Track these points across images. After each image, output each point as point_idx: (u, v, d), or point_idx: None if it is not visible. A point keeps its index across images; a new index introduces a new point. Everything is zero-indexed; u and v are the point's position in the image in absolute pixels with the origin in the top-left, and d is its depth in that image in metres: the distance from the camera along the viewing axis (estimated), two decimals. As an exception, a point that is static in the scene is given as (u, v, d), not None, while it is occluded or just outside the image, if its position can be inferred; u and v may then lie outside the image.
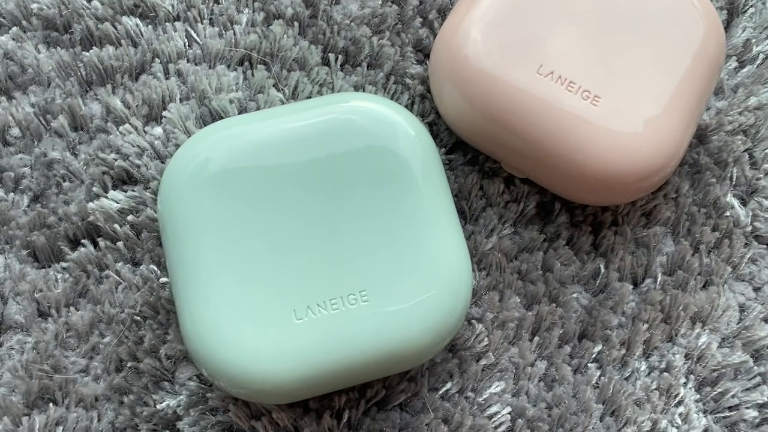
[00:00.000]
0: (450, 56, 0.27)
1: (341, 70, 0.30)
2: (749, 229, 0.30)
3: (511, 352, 0.28)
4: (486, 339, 0.28)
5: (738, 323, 0.29)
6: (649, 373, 0.29)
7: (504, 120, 0.27)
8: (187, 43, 0.29)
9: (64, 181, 0.28)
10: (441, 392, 0.27)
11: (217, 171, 0.25)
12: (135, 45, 0.29)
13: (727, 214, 0.30)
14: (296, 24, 0.30)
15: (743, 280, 0.30)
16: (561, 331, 0.28)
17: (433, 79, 0.28)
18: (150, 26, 0.29)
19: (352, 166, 0.25)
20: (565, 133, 0.26)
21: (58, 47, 0.29)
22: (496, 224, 0.29)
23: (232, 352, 0.24)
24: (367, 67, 0.30)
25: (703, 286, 0.30)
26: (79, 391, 0.26)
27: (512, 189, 0.29)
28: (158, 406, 0.26)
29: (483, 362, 0.28)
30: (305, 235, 0.25)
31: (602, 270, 0.29)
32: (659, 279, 0.29)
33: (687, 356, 0.29)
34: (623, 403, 0.28)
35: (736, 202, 0.30)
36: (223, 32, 0.29)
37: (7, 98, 0.28)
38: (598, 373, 0.28)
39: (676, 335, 0.29)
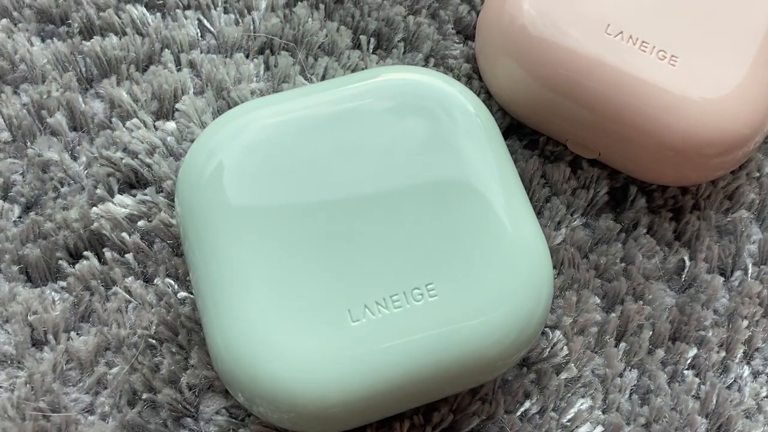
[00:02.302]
0: (503, 28, 0.23)
1: (374, 54, 0.26)
2: (843, 210, 0.26)
3: (595, 361, 0.23)
4: (565, 348, 0.23)
5: None
6: (755, 378, 0.24)
7: (571, 90, 0.22)
8: (199, 33, 0.25)
9: (62, 185, 0.23)
10: (519, 413, 0.22)
11: (243, 161, 0.20)
12: (141, 35, 0.25)
13: (819, 193, 0.26)
14: (322, 6, 0.26)
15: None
16: (651, 333, 0.24)
17: (484, 56, 0.24)
18: (158, 14, 0.25)
19: (404, 143, 0.21)
20: (642, 99, 0.22)
21: (54, 38, 0.24)
22: (564, 215, 0.24)
23: (274, 367, 0.19)
24: (404, 50, 0.26)
25: (802, 276, 0.25)
26: (84, 433, 0.21)
27: (579, 174, 0.25)
28: (181, 447, 0.21)
29: (564, 375, 0.23)
30: (355, 224, 0.20)
31: (687, 262, 0.24)
32: (750, 270, 0.25)
33: (795, 357, 0.24)
34: (732, 414, 0.23)
35: (826, 181, 0.26)
36: (240, 20, 0.25)
37: (-5, 93, 0.24)
38: (698, 382, 0.23)
39: (778, 333, 0.24)
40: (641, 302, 0.23)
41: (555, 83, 0.22)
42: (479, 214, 0.20)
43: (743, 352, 0.24)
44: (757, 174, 0.25)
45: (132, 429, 0.21)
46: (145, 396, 0.21)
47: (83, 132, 0.23)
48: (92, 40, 0.24)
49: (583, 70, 0.22)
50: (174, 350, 0.21)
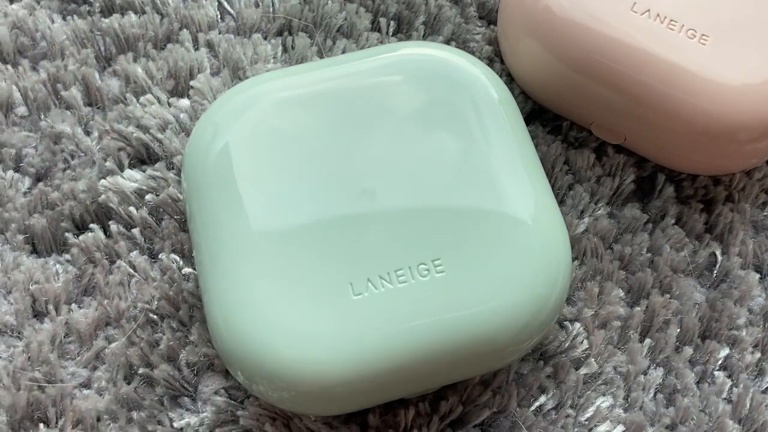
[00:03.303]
0: (526, 8, 0.22)
1: (394, 37, 0.25)
2: None
3: (617, 357, 0.21)
4: (585, 342, 0.21)
5: None
6: (793, 384, 0.22)
7: (595, 70, 0.21)
8: (219, 15, 0.25)
9: (73, 158, 0.22)
10: (534, 408, 0.21)
11: (249, 136, 0.19)
12: (161, 15, 0.24)
13: None
14: (342, -11, 0.25)
15: None
16: (678, 330, 0.22)
17: (506, 38, 0.23)
18: (181, -3, 0.25)
19: (419, 119, 0.20)
20: (670, 79, 0.21)
21: (74, 16, 0.24)
22: (587, 203, 0.23)
23: (273, 342, 0.18)
24: (425, 33, 0.25)
25: None
26: (78, 407, 0.20)
27: (605, 161, 0.23)
28: (175, 425, 0.20)
29: (584, 371, 0.21)
30: (362, 198, 0.19)
31: (719, 256, 0.23)
32: (793, 268, 0.23)
33: (837, 362, 0.22)
34: (767, 421, 0.21)
35: None
36: (259, 1, 0.25)
37: (13, 66, 0.23)
38: (729, 383, 0.21)
39: (819, 336, 0.22)
40: (668, 296, 0.22)
41: (578, 63, 0.21)
42: (494, 195, 0.19)
43: (780, 355, 0.22)
44: (797, 166, 0.24)
45: (126, 404, 0.20)
46: (141, 371, 0.20)
47: (98, 108, 0.23)
48: (111, 17, 0.24)
49: (608, 49, 0.21)
50: (175, 326, 0.20)
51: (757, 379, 0.21)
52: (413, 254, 0.18)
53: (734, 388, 0.21)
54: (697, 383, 0.21)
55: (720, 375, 0.21)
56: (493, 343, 0.18)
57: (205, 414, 0.20)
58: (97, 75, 0.23)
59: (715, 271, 0.22)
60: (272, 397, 0.18)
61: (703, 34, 0.21)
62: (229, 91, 0.20)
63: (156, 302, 0.21)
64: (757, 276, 0.22)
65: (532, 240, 0.19)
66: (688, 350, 0.21)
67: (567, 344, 0.21)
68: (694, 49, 0.21)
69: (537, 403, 0.20)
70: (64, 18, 0.24)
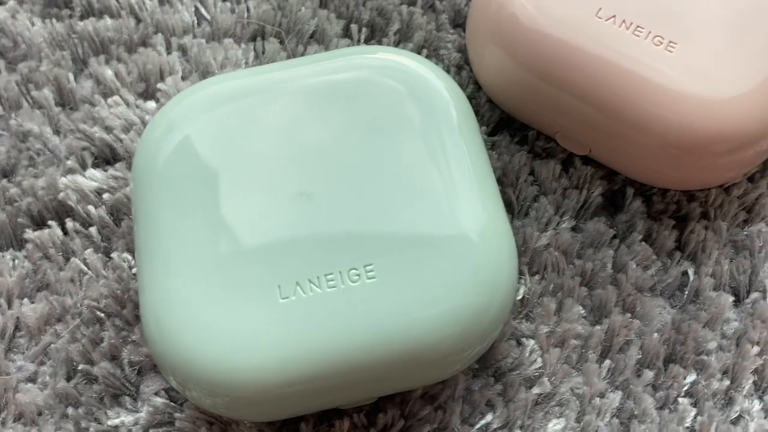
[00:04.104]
0: (490, 15, 0.21)
1: (366, 44, 0.24)
2: None
3: (575, 378, 0.20)
4: (539, 360, 0.20)
5: None
6: (766, 416, 0.20)
7: (558, 78, 0.20)
8: (196, 21, 0.25)
9: (39, 155, 0.23)
10: (478, 426, 0.20)
11: (195, 132, 0.19)
12: (138, 20, 0.25)
13: None
14: (316, -5, 0.25)
15: None
16: (640, 352, 0.20)
17: (472, 45, 0.22)
18: (161, 3, 0.25)
19: (363, 122, 0.19)
20: (634, 87, 0.20)
21: (53, 19, 0.25)
22: (552, 216, 0.22)
23: (201, 346, 0.17)
24: (398, 40, 0.24)
25: (832, 303, 0.21)
26: (19, 401, 0.20)
27: (572, 172, 0.22)
28: (109, 423, 0.19)
29: (536, 390, 0.20)
30: (300, 199, 0.19)
31: (691, 276, 0.21)
32: (770, 292, 0.21)
33: (817, 395, 0.20)
34: (732, 453, 0.19)
35: None
36: (235, 7, 0.25)
37: (-12, 66, 0.24)
38: (694, 412, 0.20)
39: (799, 366, 0.20)
40: (629, 316, 0.20)
41: (541, 71, 0.20)
42: (434, 204, 0.18)
43: (753, 383, 0.20)
44: (781, 184, 0.22)
45: (65, 399, 0.20)
46: (81, 367, 0.20)
47: (70, 108, 0.23)
48: (86, 21, 0.24)
49: (569, 57, 0.20)
50: (119, 325, 0.20)
51: (724, 409, 0.20)
52: (345, 259, 0.18)
53: (698, 417, 0.20)
54: (660, 409, 0.20)
55: (684, 402, 0.20)
56: (420, 353, 0.17)
57: (140, 414, 0.19)
58: (71, 76, 0.23)
59: (687, 290, 0.21)
60: (205, 403, 0.18)
61: (670, 41, 0.20)
62: (187, 89, 0.20)
63: (103, 300, 0.20)
64: (731, 298, 0.21)
65: (471, 250, 0.18)
66: (649, 374, 0.20)
67: (519, 362, 0.20)
68: (660, 57, 0.20)
69: (483, 422, 0.19)
70: (43, 21, 0.24)
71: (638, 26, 0.20)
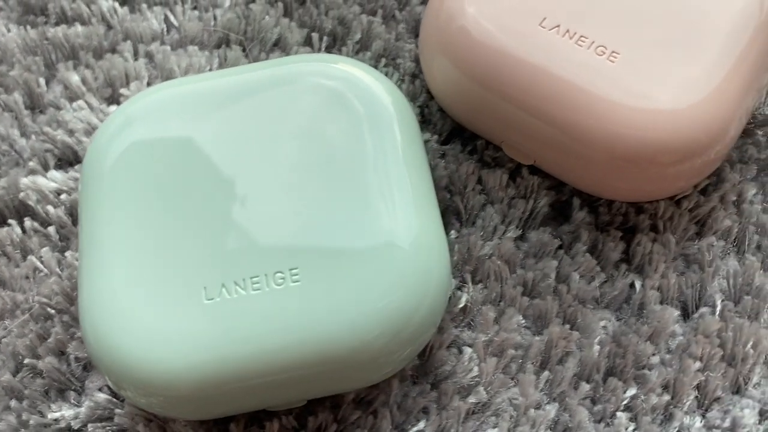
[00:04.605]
0: (438, 25, 0.21)
1: (327, 52, 0.25)
2: None
3: (511, 389, 0.20)
4: (476, 368, 0.20)
5: (837, 374, 0.20)
6: (706, 433, 0.20)
7: (499, 86, 0.20)
8: (165, 29, 0.26)
9: (4, 156, 0.23)
10: (410, 432, 0.20)
11: (136, 135, 0.19)
12: (109, 27, 0.25)
13: (812, 225, 0.21)
14: (280, 4, 0.25)
15: (843, 319, 0.21)
16: (578, 365, 0.20)
17: (423, 54, 0.22)
18: (126, 8, 0.26)
19: (299, 127, 0.20)
20: (573, 97, 0.19)
21: (28, 26, 0.25)
22: (497, 225, 0.22)
23: (129, 344, 0.17)
24: (357, 49, 0.24)
25: (783, 320, 0.21)
26: (-33, 393, 0.20)
27: (519, 182, 0.22)
28: (49, 416, 0.20)
29: (472, 399, 0.20)
30: (229, 203, 0.19)
31: (638, 289, 0.21)
32: (719, 306, 0.21)
33: (763, 414, 0.20)
34: (667, 470, 0.19)
35: (824, 213, 0.22)
36: (203, 15, 0.25)
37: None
38: (632, 427, 0.20)
39: (745, 383, 0.20)
40: (568, 327, 0.20)
41: (482, 79, 0.20)
42: (364, 208, 0.18)
43: (696, 399, 0.20)
44: (735, 198, 0.22)
45: (10, 392, 0.20)
46: (27, 361, 0.20)
47: (40, 112, 0.24)
48: (57, 27, 0.25)
49: (510, 66, 0.20)
50: (67, 321, 0.21)
51: (663, 425, 0.19)
52: (271, 262, 0.18)
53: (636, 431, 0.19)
54: (597, 422, 0.19)
55: (622, 416, 0.19)
56: (342, 355, 0.17)
57: (81, 408, 0.20)
58: (42, 81, 0.24)
59: (632, 302, 0.21)
60: (140, 402, 0.18)
61: (613, 51, 0.20)
62: (131, 97, 0.21)
63: (54, 297, 0.21)
64: (677, 313, 0.20)
65: (399, 256, 0.18)
66: (586, 386, 0.20)
67: (456, 370, 0.20)
68: (601, 67, 0.19)
69: (415, 429, 0.19)
70: (18, 27, 0.25)
71: (582, 36, 0.20)
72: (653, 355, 0.20)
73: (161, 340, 0.17)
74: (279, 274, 0.18)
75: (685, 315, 0.21)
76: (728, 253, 0.21)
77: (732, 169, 0.22)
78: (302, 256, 0.18)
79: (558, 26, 0.20)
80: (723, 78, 0.19)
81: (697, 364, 0.20)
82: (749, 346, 0.20)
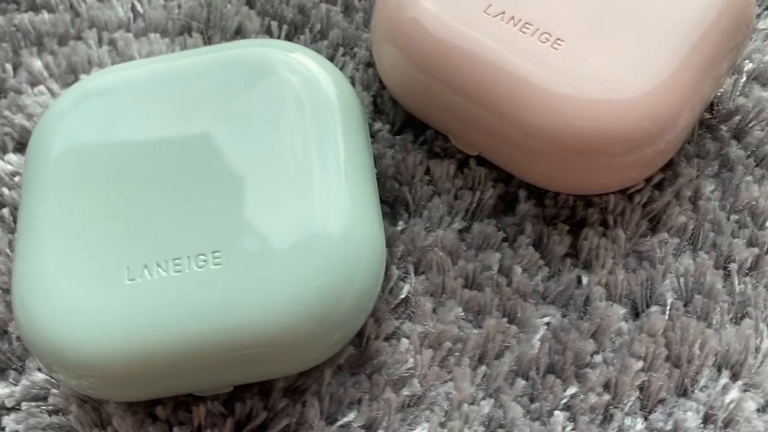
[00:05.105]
0: (386, 13, 0.21)
1: (290, 41, 0.24)
2: (808, 249, 0.20)
3: (447, 382, 0.19)
4: (411, 360, 0.20)
5: (791, 380, 0.19)
6: (646, 435, 0.19)
7: (442, 75, 0.20)
8: (132, 18, 0.26)
9: (-36, 139, 0.24)
10: (339, 424, 0.19)
11: (76, 119, 0.20)
12: (77, 15, 0.26)
13: (771, 223, 0.20)
14: (243, -7, 0.25)
15: (801, 322, 0.20)
16: (515, 361, 0.20)
17: (373, 42, 0.22)
18: (98, -2, 0.26)
19: (240, 109, 0.19)
20: (513, 85, 0.19)
21: (-1, 13, 0.26)
22: (442, 216, 0.21)
23: (54, 324, 0.17)
24: (315, 38, 0.24)
25: (735, 321, 0.20)
26: None
27: (467, 173, 0.22)
28: (-17, 394, 0.20)
29: (405, 392, 0.19)
30: (159, 185, 0.18)
31: (583, 285, 0.20)
32: (669, 305, 0.20)
33: (708, 418, 0.19)
34: (601, 471, 0.18)
35: (785, 211, 0.21)
36: (168, 3, 0.26)
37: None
38: (570, 426, 0.19)
39: (692, 385, 0.19)
40: (506, 320, 0.20)
41: (426, 67, 0.20)
42: (293, 192, 0.18)
43: (638, 400, 0.19)
44: (690, 194, 0.21)
45: (-51, 370, 0.20)
46: (-33, 339, 0.20)
47: (3, 97, 0.24)
48: (24, 14, 0.25)
49: (453, 53, 0.19)
50: (10, 301, 0.21)
51: (603, 425, 0.19)
52: (195, 244, 0.18)
53: (572, 431, 0.19)
54: (534, 420, 0.19)
55: (560, 415, 0.19)
56: (259, 341, 0.17)
57: (16, 387, 0.20)
58: (9, 67, 0.25)
59: (576, 301, 0.20)
60: (71, 384, 0.18)
61: (558, 39, 0.19)
62: (78, 81, 0.21)
63: (1, 277, 0.21)
64: (623, 310, 0.20)
65: (325, 242, 0.18)
66: (521, 383, 0.19)
67: (392, 361, 0.19)
68: (544, 55, 0.19)
69: (344, 419, 0.19)
70: (-11, 14, 0.25)
71: (526, 23, 0.19)
72: (596, 353, 0.19)
73: (86, 321, 0.17)
74: (201, 257, 0.17)
75: (636, 313, 0.20)
76: (683, 251, 0.20)
77: (689, 164, 0.21)
78: (226, 240, 0.18)
79: (503, 13, 0.19)
80: (675, 66, 0.19)
81: (640, 364, 0.19)
82: (696, 346, 0.19)
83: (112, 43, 0.25)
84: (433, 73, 0.20)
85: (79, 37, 0.25)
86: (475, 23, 0.19)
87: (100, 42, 0.25)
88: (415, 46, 0.20)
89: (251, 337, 0.17)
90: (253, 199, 0.18)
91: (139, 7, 0.25)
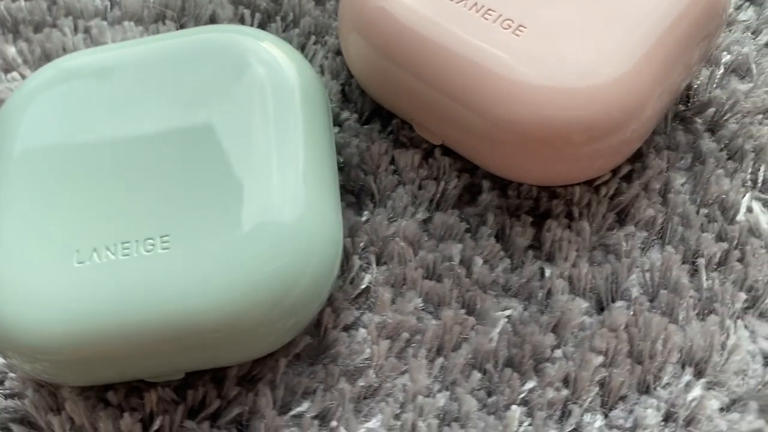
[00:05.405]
0: (350, 1, 0.21)
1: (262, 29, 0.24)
2: (779, 244, 0.20)
3: (405, 374, 0.19)
4: (368, 351, 0.19)
5: (756, 379, 0.18)
6: (605, 432, 0.18)
7: (406, 62, 0.19)
8: (109, 6, 0.26)
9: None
10: (292, 414, 0.19)
11: (37, 104, 0.19)
12: (54, 2, 0.26)
13: (741, 218, 0.20)
14: (217, -19, 0.25)
15: (771, 319, 0.19)
16: (471, 352, 0.19)
17: (340, 30, 0.22)
18: (74, -15, 0.26)
19: (198, 94, 0.19)
20: (473, 73, 0.18)
21: (-23, 1, 0.26)
22: (406, 206, 0.21)
23: (5, 301, 0.17)
24: (287, 26, 0.24)
25: (701, 317, 0.19)
26: None
27: (432, 163, 0.21)
28: (-61, 376, 0.20)
29: (361, 383, 0.19)
30: (113, 169, 0.18)
31: (545, 278, 0.20)
32: (633, 300, 0.19)
33: (669, 415, 0.18)
34: (555, 468, 0.18)
35: (757, 205, 0.20)
36: (144, -8, 0.25)
37: None
38: (527, 422, 0.18)
39: (654, 382, 0.18)
40: (464, 311, 0.19)
41: (389, 54, 0.20)
42: (247, 177, 0.18)
43: (598, 396, 0.18)
44: (659, 186, 0.20)
45: None
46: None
47: (-21, 83, 0.24)
48: (2, 1, 0.25)
49: (414, 39, 0.19)
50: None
51: (560, 421, 0.18)
52: (144, 228, 0.17)
53: (527, 427, 0.18)
54: (490, 414, 0.18)
55: (516, 410, 0.18)
56: (209, 328, 0.17)
57: (-27, 371, 0.20)
58: (-17, 53, 0.25)
59: (539, 294, 0.19)
60: (24, 368, 0.18)
61: (520, 25, 0.19)
62: (42, 67, 0.21)
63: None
64: (585, 304, 0.19)
65: (279, 227, 0.17)
66: (477, 375, 0.19)
67: (349, 351, 0.19)
68: (507, 40, 0.18)
69: (298, 409, 0.19)
70: (-33, 2, 0.26)
71: (489, 9, 0.19)
72: (557, 347, 0.19)
73: (36, 303, 0.17)
74: (149, 241, 0.17)
75: (601, 308, 0.19)
76: (652, 245, 0.20)
77: (658, 155, 0.20)
78: (175, 224, 0.17)
79: (466, -1, 0.19)
80: (641, 54, 0.18)
81: (600, 359, 0.18)
82: (659, 343, 0.18)
83: (87, 30, 0.25)
84: (395, 61, 0.19)
85: (54, 25, 0.25)
86: (437, 10, 0.19)
87: (75, 30, 0.25)
88: (379, 33, 0.19)
89: (198, 321, 0.17)
90: (205, 184, 0.18)
91: (116, -5, 0.25)
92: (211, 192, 0.18)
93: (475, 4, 0.19)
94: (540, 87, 0.18)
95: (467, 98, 0.18)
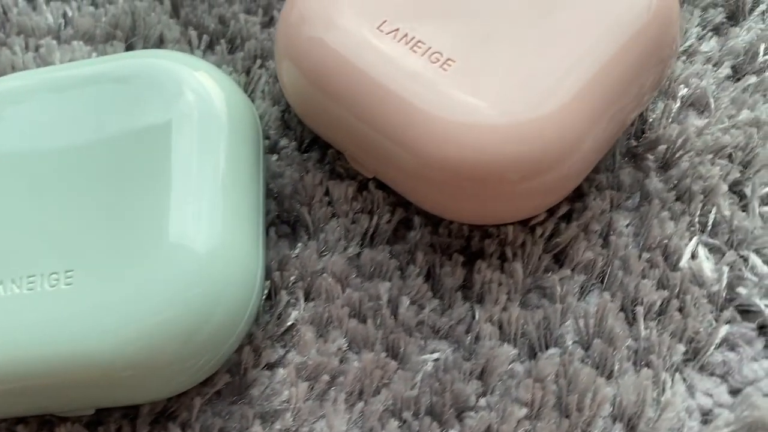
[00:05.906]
0: (284, 28, 0.20)
1: (209, 51, 0.24)
2: (724, 294, 0.18)
3: (323, 418, 0.18)
4: (286, 393, 0.19)
5: (692, 438, 0.17)
6: (524, 489, 0.17)
7: (333, 93, 0.19)
8: (63, 24, 0.25)
9: None
10: (204, 455, 0.18)
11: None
12: (7, 20, 0.25)
13: (684, 264, 0.19)
14: (167, 1, 0.24)
15: (712, 374, 0.18)
16: (392, 398, 0.18)
17: (275, 55, 0.21)
18: (31, 5, 0.26)
19: (118, 123, 0.19)
20: (399, 107, 0.18)
21: (-67, 17, 0.26)
22: (339, 240, 0.20)
23: None
24: (231, 48, 0.23)
25: (637, 368, 0.18)
26: None
27: (366, 195, 0.20)
28: None
29: (277, 426, 0.18)
30: (27, 200, 0.18)
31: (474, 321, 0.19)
32: (570, 350, 0.18)
33: (594, 474, 0.17)
34: None
35: (702, 251, 0.19)
36: (98, 11, 0.25)
37: None
38: (444, 474, 0.17)
39: (582, 438, 0.17)
40: (386, 355, 0.18)
41: (318, 84, 0.19)
42: (159, 211, 0.17)
43: (521, 451, 0.17)
44: (599, 228, 0.19)
45: None
46: None
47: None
48: (-46, 19, 0.25)
49: (341, 71, 0.18)
50: None
51: (479, 475, 0.17)
52: (51, 263, 0.17)
53: (444, 480, 0.17)
54: (408, 465, 0.18)
55: (435, 460, 0.17)
56: (112, 368, 0.16)
57: None
58: (-63, 70, 0.24)
59: (467, 339, 0.19)
60: None
61: (449, 59, 0.18)
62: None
63: None
64: (513, 350, 0.18)
65: (188, 266, 0.17)
66: (394, 423, 0.18)
67: (269, 392, 0.18)
68: (433, 74, 0.18)
69: (210, 451, 0.18)
70: (-76, 18, 0.26)
71: (419, 41, 0.18)
72: (482, 395, 0.18)
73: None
74: (54, 276, 0.17)
75: (534, 355, 0.18)
76: (591, 290, 0.19)
77: (600, 195, 0.19)
78: (82, 259, 0.17)
79: (396, 30, 0.18)
80: (577, 89, 0.17)
81: (524, 411, 0.17)
82: (588, 395, 0.17)
83: (37, 49, 0.24)
84: (325, 91, 0.19)
85: (4, 43, 0.25)
86: (368, 40, 0.18)
87: (26, 48, 0.24)
88: (311, 63, 0.19)
89: (100, 360, 0.16)
90: (118, 215, 0.17)
91: (69, 13, 0.25)
92: (124, 223, 0.17)
93: (405, 35, 0.18)
94: (463, 124, 0.17)
95: (395, 133, 0.18)
